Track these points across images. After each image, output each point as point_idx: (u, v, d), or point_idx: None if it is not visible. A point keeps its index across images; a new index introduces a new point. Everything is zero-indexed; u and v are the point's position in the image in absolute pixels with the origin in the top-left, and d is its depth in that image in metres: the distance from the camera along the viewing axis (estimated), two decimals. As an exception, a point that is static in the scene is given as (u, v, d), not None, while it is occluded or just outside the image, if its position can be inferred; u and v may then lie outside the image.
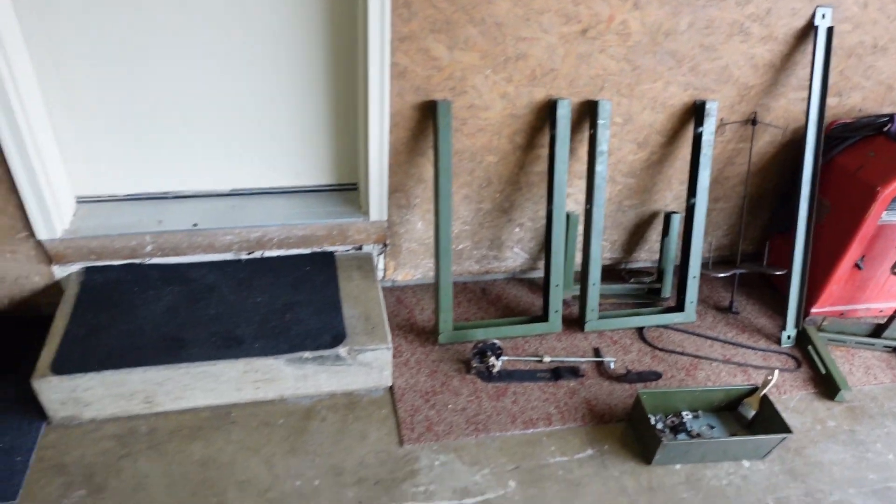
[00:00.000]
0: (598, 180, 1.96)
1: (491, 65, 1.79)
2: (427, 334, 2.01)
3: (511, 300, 2.19)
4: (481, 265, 2.21)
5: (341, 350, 1.70)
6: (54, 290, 1.87)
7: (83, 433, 1.61)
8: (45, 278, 1.84)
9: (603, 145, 1.93)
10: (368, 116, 1.75)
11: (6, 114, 1.53)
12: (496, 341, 1.91)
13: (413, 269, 2.15)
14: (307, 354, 1.68)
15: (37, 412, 1.63)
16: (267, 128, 1.88)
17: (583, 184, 2.08)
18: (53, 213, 1.72)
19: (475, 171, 1.97)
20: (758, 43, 1.93)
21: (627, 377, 1.91)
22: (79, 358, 1.59)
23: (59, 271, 1.83)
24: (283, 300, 1.82)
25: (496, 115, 1.87)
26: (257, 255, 1.96)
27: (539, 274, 2.31)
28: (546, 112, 1.91)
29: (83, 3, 1.58)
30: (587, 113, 1.94)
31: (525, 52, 1.79)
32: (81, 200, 1.87)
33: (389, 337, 1.74)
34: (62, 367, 1.56)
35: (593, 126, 1.93)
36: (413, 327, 2.02)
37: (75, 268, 1.84)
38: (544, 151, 1.99)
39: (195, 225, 1.84)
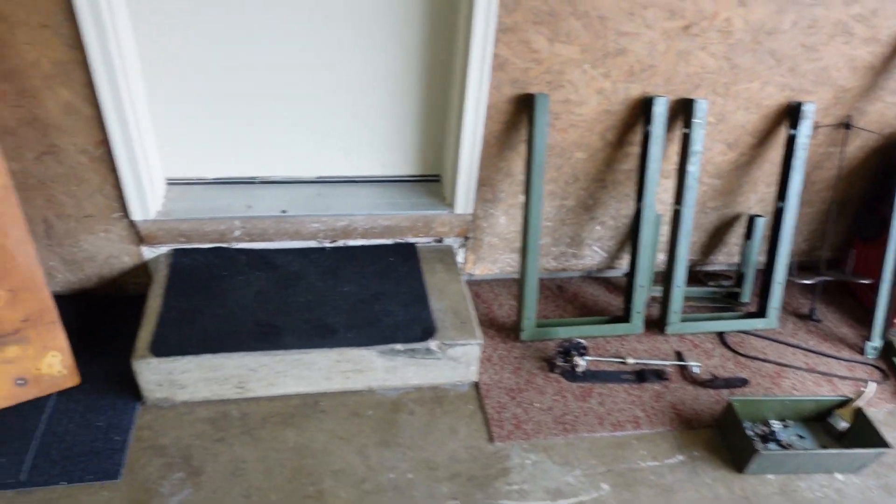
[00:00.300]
0: (689, 181, 1.92)
1: (590, 59, 1.75)
2: (507, 330, 1.99)
3: (588, 299, 2.16)
4: (559, 262, 2.18)
5: (432, 344, 1.69)
6: (142, 270, 1.88)
7: (177, 415, 1.62)
8: (134, 258, 1.85)
9: (696, 145, 1.89)
10: (464, 108, 1.73)
11: (113, 92, 1.53)
12: (581, 340, 1.89)
13: (492, 263, 2.12)
14: (399, 347, 1.67)
15: (131, 392, 1.65)
16: (356, 116, 1.86)
17: (668, 183, 2.04)
18: (148, 194, 1.72)
19: (563, 168, 1.94)
20: (860, 44, 1.87)
21: (714, 383, 1.88)
22: (176, 341, 1.59)
23: (148, 252, 1.84)
24: (370, 290, 1.81)
25: (590, 110, 1.84)
26: (340, 243, 1.95)
27: (615, 273, 2.28)
28: (640, 109, 1.87)
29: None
30: (681, 111, 1.90)
31: (625, 47, 1.75)
32: (171, 182, 1.87)
33: (479, 332, 1.73)
34: (161, 349, 1.57)
35: (687, 125, 1.89)
36: (493, 323, 2.00)
37: (163, 249, 1.84)
38: (634, 149, 1.95)
39: (284, 212, 1.84)
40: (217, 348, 1.59)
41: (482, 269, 2.14)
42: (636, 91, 1.84)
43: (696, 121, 1.87)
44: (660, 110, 1.84)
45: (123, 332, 1.80)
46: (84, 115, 1.57)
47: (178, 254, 1.85)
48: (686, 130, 1.90)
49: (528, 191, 1.83)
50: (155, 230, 1.78)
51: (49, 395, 1.61)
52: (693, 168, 1.91)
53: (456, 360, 1.74)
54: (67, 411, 1.58)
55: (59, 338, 1.58)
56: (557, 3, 1.64)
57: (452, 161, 1.88)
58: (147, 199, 1.72)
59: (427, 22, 1.75)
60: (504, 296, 2.13)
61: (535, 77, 1.75)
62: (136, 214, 1.74)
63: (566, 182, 1.98)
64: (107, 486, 1.44)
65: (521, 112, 1.82)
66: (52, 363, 1.59)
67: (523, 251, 1.88)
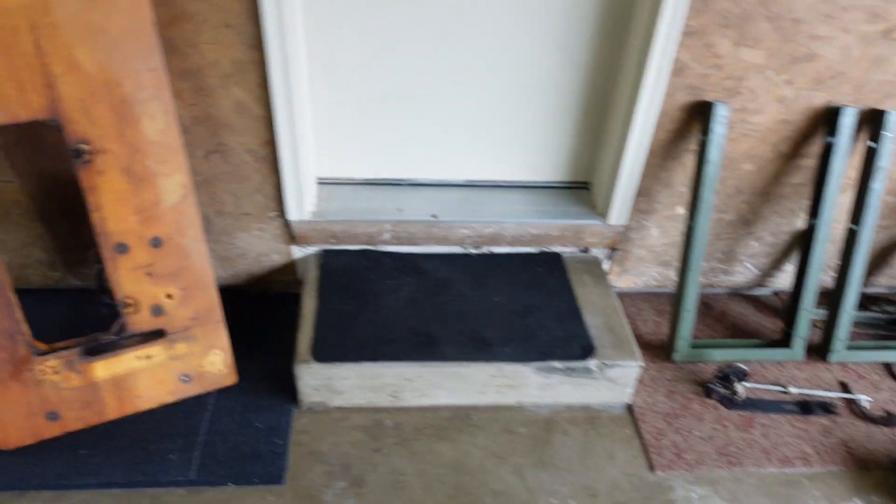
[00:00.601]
0: (871, 199, 1.75)
1: (775, 65, 1.62)
2: (655, 349, 1.89)
3: (737, 318, 2.03)
4: (706, 278, 2.06)
5: (591, 363, 1.61)
6: (289, 268, 1.88)
7: (332, 421, 1.61)
8: (284, 257, 1.85)
9: (883, 160, 1.72)
10: (633, 115, 1.63)
11: (287, 93, 1.52)
12: (742, 365, 1.77)
13: (636, 276, 2.02)
14: (557, 364, 1.60)
15: (286, 393, 1.65)
16: (508, 118, 1.79)
17: (840, 198, 1.88)
18: (306, 194, 1.71)
19: (727, 180, 1.81)
20: None
21: (889, 420, 1.73)
22: (336, 346, 1.58)
23: (297, 252, 1.84)
24: (521, 302, 1.75)
25: (766, 119, 1.70)
26: (484, 249, 1.90)
27: (763, 291, 2.13)
28: (821, 119, 1.72)
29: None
30: (866, 122, 1.74)
31: (815, 52, 1.60)
32: (322, 182, 1.86)
33: (639, 353, 1.64)
34: (322, 354, 1.55)
35: (874, 138, 1.72)
36: (638, 340, 1.91)
37: (312, 249, 1.84)
38: (807, 162, 1.80)
39: (434, 216, 1.79)
40: (376, 356, 1.56)
41: (626, 282, 2.04)
42: (820, 100, 1.69)
43: (886, 134, 1.71)
44: (847, 121, 1.68)
45: (274, 330, 1.81)
46: (254, 115, 1.56)
47: (326, 254, 1.83)
48: (872, 144, 1.73)
49: (694, 204, 1.72)
50: (308, 230, 1.77)
51: (209, 393, 1.63)
52: (877, 185, 1.74)
53: (612, 380, 1.66)
54: (228, 410, 1.60)
55: (223, 336, 1.60)
56: (750, 5, 1.51)
57: (611, 169, 1.78)
58: (304, 200, 1.71)
59: (595, 22, 1.65)
60: (648, 311, 2.02)
61: (713, 83, 1.63)
62: (292, 214, 1.73)
63: (728, 195, 1.85)
64: (272, 490, 1.44)
65: (691, 120, 1.70)
66: (215, 361, 1.61)
67: (683, 267, 1.77)
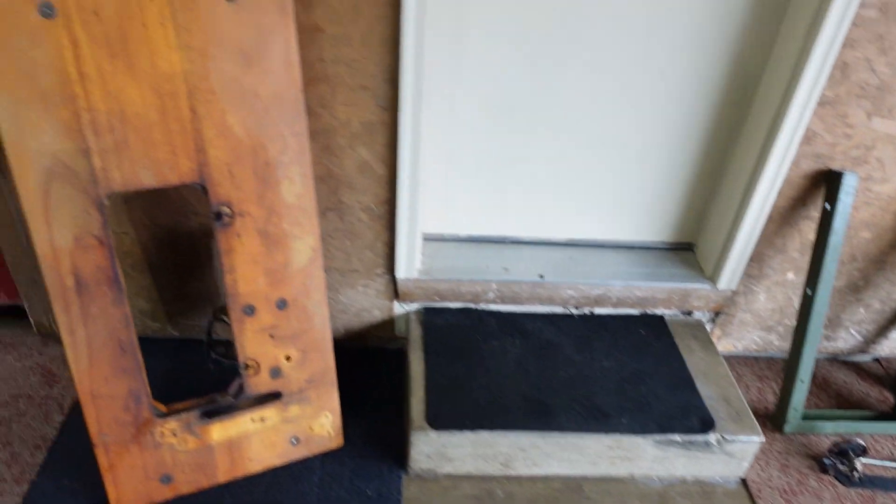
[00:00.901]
0: None
1: (904, 135, 1.59)
2: (760, 417, 1.82)
3: (840, 386, 1.97)
4: (808, 343, 2.01)
5: (711, 437, 1.56)
6: (388, 325, 1.85)
7: (442, 489, 1.56)
8: (384, 313, 1.82)
9: None
10: (757, 182, 1.60)
11: (413, 154, 1.50)
12: (860, 440, 1.70)
13: (737, 340, 1.97)
14: (677, 438, 1.55)
15: (393, 458, 1.60)
16: (615, 178, 1.77)
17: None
18: (415, 252, 1.69)
19: (843, 247, 1.77)
20: None
21: None
22: (451, 413, 1.53)
23: (398, 308, 1.81)
24: (629, 368, 1.70)
25: (891, 189, 1.66)
26: (586, 310, 1.86)
27: (864, 358, 2.07)
28: (945, 190, 1.69)
29: (489, 42, 1.53)
30: None
31: (946, 123, 1.57)
32: (427, 238, 1.84)
33: (758, 427, 1.58)
34: (437, 421, 1.51)
35: None
36: (742, 407, 1.85)
37: (414, 307, 1.81)
38: (925, 231, 1.76)
39: (541, 276, 1.76)
40: (492, 425, 1.52)
41: (725, 346, 1.99)
42: (945, 170, 1.66)
43: None
44: (975, 194, 1.64)
45: (374, 389, 1.77)
46: (376, 175, 1.55)
47: (428, 312, 1.80)
48: None
49: (814, 273, 1.67)
50: (413, 288, 1.75)
51: (315, 456, 1.59)
52: None
53: (730, 454, 1.60)
54: (336, 475, 1.55)
55: (334, 399, 1.56)
56: (889, 77, 1.48)
57: (723, 233, 1.74)
58: (413, 258, 1.69)
59: (718, 87, 1.63)
60: (749, 376, 1.97)
61: (840, 152, 1.60)
62: (400, 272, 1.70)
63: (841, 262, 1.80)
64: (391, 565, 1.39)
65: (813, 188, 1.66)
66: (324, 423, 1.57)
67: (799, 337, 1.71)
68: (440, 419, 1.52)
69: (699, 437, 1.56)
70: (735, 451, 1.59)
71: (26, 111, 1.11)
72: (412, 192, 1.57)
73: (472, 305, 1.82)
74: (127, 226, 1.60)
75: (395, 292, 1.77)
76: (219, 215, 1.30)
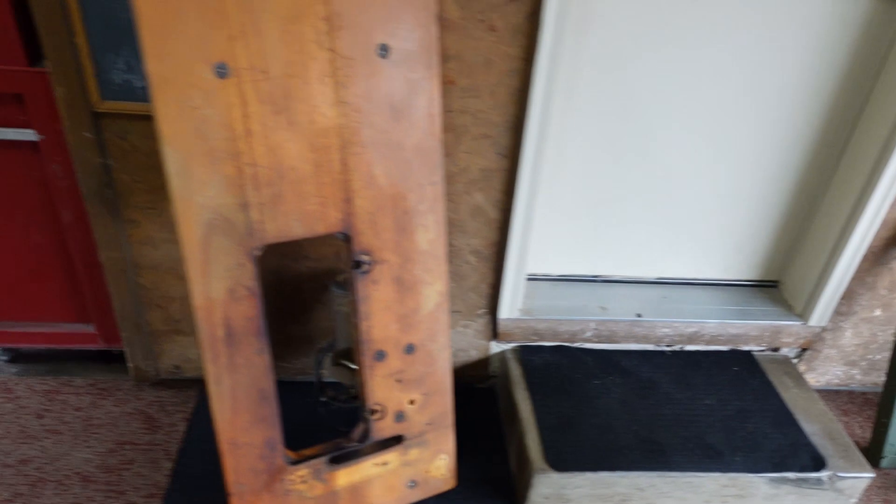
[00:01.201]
0: None
1: None
2: (853, 452, 1.85)
3: (923, 419, 2.00)
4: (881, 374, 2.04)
5: (824, 474, 1.57)
6: (482, 364, 1.86)
7: (560, 532, 1.56)
8: (480, 353, 1.84)
9: None
10: (855, 224, 1.64)
11: (529, 199, 1.53)
12: (959, 476, 1.73)
13: (820, 375, 2.00)
14: (791, 476, 1.56)
15: (504, 498, 1.60)
16: (710, 219, 1.80)
17: None
18: (519, 293, 1.71)
19: (929, 282, 1.82)
20: None
21: None
22: (569, 453, 1.54)
23: (495, 347, 1.83)
24: (731, 405, 1.72)
25: (978, 227, 1.72)
26: (677, 347, 1.88)
27: (941, 390, 2.11)
28: None
29: (606, 95, 1.58)
30: None
31: None
32: (528, 278, 1.86)
33: (868, 464, 1.60)
34: (558, 462, 1.52)
35: None
36: (833, 442, 1.87)
37: (510, 346, 1.82)
38: None
39: (639, 315, 1.79)
40: (612, 465, 1.52)
41: (809, 380, 2.02)
42: None
43: None
44: None
45: (475, 428, 1.77)
46: (488, 219, 1.58)
47: (524, 351, 1.82)
48: None
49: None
50: (513, 328, 1.76)
51: (429, 498, 1.59)
52: None
53: (839, 491, 1.62)
54: (453, 518, 1.55)
55: (450, 441, 1.56)
56: (984, 121, 1.55)
57: (818, 272, 1.78)
58: (516, 298, 1.71)
59: (812, 132, 1.68)
60: (833, 411, 1.99)
61: (934, 193, 1.66)
62: (503, 312, 1.72)
63: (927, 297, 1.86)
64: None
65: (905, 226, 1.72)
66: (440, 466, 1.57)
67: (893, 371, 1.75)
68: (561, 461, 1.52)
69: (812, 475, 1.57)
70: (845, 488, 1.61)
71: (195, 167, 1.13)
72: (523, 235, 1.60)
73: (565, 343, 1.84)
74: (239, 271, 1.61)
75: (495, 332, 1.79)
76: (358, 263, 1.32)
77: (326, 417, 1.68)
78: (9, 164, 1.52)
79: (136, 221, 1.54)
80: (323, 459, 1.43)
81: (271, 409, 1.34)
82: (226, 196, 1.17)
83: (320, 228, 1.27)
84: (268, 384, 1.32)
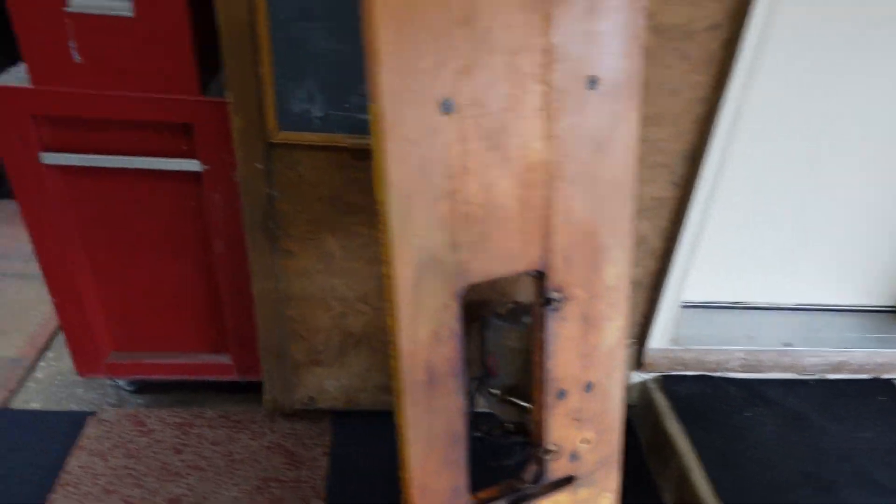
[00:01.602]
0: None
1: None
2: None
3: None
4: None
5: None
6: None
7: (730, 573, 1.51)
8: (620, 383, 1.79)
9: None
10: None
11: (698, 229, 1.49)
12: None
13: (959, 402, 1.95)
14: (968, 515, 1.52)
15: (667, 539, 1.56)
16: (860, 240, 1.76)
17: None
18: (671, 322, 1.66)
19: None
20: None
21: None
22: (741, 493, 1.49)
23: (635, 377, 1.78)
24: (890, 438, 1.67)
25: None
26: (818, 376, 1.83)
27: None
28: None
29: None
30: None
31: None
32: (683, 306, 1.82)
33: None
34: (728, 496, 1.47)
35: None
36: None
37: (650, 375, 1.78)
38: None
39: (787, 345, 1.74)
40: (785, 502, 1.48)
41: (947, 408, 1.97)
42: None
43: None
44: None
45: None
46: (650, 248, 1.53)
47: (667, 381, 1.77)
48: None
49: None
50: (659, 358, 1.72)
51: (591, 537, 1.54)
52: None
53: None
54: (620, 559, 1.50)
55: (616, 479, 1.51)
56: None
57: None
58: (668, 328, 1.66)
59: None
60: (973, 439, 1.94)
61: None
62: (654, 342, 1.67)
63: None
64: None
65: None
66: (604, 505, 1.52)
67: None
68: (732, 495, 1.47)
69: None
70: None
71: (415, 207, 1.08)
72: (685, 265, 1.55)
73: (708, 373, 1.79)
74: (374, 299, 1.56)
75: (639, 362, 1.74)
76: (549, 300, 1.28)
77: (482, 453, 1.63)
78: (166, 194, 1.47)
79: (292, 252, 1.49)
80: (501, 502, 1.38)
81: (461, 454, 1.29)
82: (439, 236, 1.13)
83: (520, 266, 1.22)
84: (460, 426, 1.27)
